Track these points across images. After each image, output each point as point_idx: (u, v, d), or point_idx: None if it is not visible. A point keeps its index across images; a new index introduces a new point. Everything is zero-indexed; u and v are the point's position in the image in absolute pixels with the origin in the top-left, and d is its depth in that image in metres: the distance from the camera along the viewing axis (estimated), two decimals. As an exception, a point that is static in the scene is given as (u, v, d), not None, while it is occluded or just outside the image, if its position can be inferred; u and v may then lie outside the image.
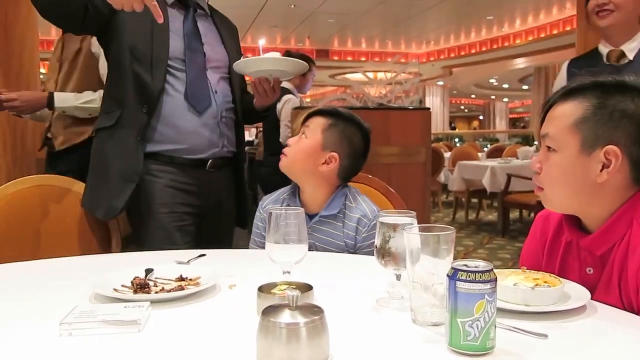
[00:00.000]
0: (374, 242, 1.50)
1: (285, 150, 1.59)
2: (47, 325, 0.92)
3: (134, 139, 1.69)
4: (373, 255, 1.48)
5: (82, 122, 2.36)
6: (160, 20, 1.48)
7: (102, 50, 1.90)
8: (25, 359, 0.81)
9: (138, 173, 1.69)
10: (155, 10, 1.45)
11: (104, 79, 2.21)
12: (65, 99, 2.30)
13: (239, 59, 1.86)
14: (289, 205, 1.59)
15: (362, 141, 1.61)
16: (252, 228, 1.71)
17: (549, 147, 1.11)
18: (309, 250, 1.41)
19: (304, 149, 1.56)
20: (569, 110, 1.08)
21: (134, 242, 1.77)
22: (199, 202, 1.80)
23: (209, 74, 1.80)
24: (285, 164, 1.59)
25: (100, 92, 2.23)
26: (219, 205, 1.87)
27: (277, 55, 1.77)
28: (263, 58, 1.73)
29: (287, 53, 4.07)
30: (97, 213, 1.75)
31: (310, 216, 1.56)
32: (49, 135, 2.44)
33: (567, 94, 1.10)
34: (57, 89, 2.38)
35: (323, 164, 1.55)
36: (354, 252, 1.55)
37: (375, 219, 1.51)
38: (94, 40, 2.26)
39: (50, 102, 2.27)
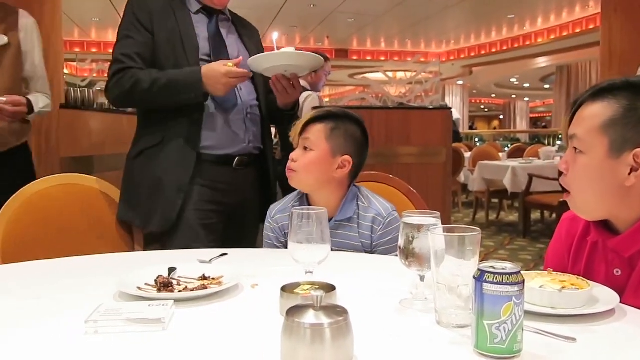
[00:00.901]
0: (390, 240, 1.51)
1: (291, 166, 1.55)
2: (72, 322, 0.92)
3: (185, 149, 1.74)
4: (389, 254, 1.49)
5: (21, 126, 2.22)
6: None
7: (36, 48, 1.94)
8: (51, 356, 0.82)
9: (187, 183, 1.73)
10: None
11: (32, 80, 2.25)
12: (35, 105, 2.20)
13: None
14: None
15: (362, 133, 1.60)
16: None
17: (576, 149, 1.09)
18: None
19: (315, 162, 1.52)
20: (597, 111, 1.06)
21: (160, 240, 1.79)
22: (225, 200, 1.82)
23: None
24: (298, 180, 1.55)
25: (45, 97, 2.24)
26: (244, 203, 1.88)
27: (292, 49, 1.76)
28: (276, 53, 1.72)
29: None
30: (151, 228, 1.78)
31: None
32: None
33: (596, 93, 1.08)
34: None
35: (337, 169, 1.53)
36: (371, 252, 1.54)
37: (389, 217, 1.52)
38: (26, 36, 2.21)
39: (30, 110, 2.18)
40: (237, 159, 1.82)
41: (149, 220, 1.77)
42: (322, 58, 1.75)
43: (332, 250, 1.50)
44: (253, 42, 2.00)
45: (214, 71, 1.67)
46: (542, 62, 14.31)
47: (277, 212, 1.63)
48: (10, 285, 1.22)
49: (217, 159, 1.79)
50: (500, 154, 7.76)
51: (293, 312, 0.78)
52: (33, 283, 1.24)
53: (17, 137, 2.20)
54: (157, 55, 1.77)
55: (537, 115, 27.57)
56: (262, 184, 1.96)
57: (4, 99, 2.03)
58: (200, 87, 1.68)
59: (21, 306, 1.06)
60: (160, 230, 1.76)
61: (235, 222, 1.87)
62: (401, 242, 1.03)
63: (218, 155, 1.79)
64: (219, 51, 1.82)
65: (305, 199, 1.60)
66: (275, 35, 1.70)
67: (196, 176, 1.76)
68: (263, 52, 2.00)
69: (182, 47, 1.77)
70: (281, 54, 1.71)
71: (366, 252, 1.54)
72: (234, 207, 1.85)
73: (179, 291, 1.10)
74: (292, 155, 1.57)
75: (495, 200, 6.75)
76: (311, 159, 1.53)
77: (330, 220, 1.52)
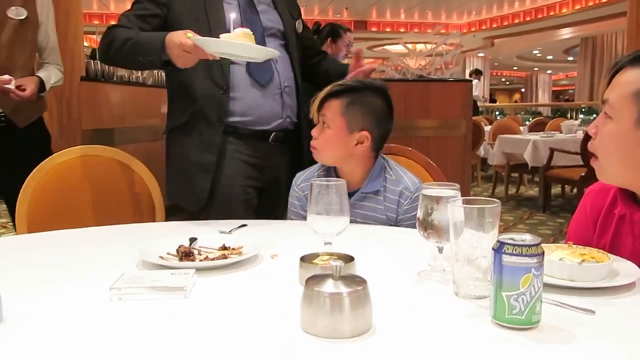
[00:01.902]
0: (415, 215, 1.51)
1: (313, 143, 1.55)
2: (97, 289, 0.95)
3: (214, 127, 1.71)
4: (414, 227, 1.49)
5: (37, 102, 2.28)
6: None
7: (50, 18, 1.96)
8: (77, 322, 0.84)
9: (214, 162, 1.71)
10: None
11: (44, 51, 2.27)
12: (47, 81, 2.24)
13: (294, 23, 1.89)
14: None
15: (384, 102, 1.56)
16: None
17: (606, 114, 1.07)
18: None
19: (331, 140, 1.52)
20: (632, 78, 1.03)
21: (195, 216, 1.79)
22: (260, 176, 1.81)
23: (267, 43, 1.78)
24: (319, 157, 1.57)
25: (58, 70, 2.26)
26: (277, 178, 1.86)
27: (244, 39, 1.55)
28: (227, 42, 1.54)
29: (316, 26, 4.03)
30: (186, 205, 1.79)
31: (349, 193, 1.55)
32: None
33: (636, 59, 1.04)
34: None
35: (357, 144, 1.52)
36: (395, 225, 1.54)
37: (417, 192, 1.50)
38: (42, 7, 2.23)
39: (42, 88, 2.23)
40: (273, 134, 1.80)
41: (184, 200, 1.78)
42: (276, 52, 1.66)
43: (357, 222, 1.52)
44: (286, 4, 1.92)
45: (171, 41, 1.57)
46: (566, 33, 13.97)
47: (302, 180, 1.63)
48: (37, 254, 1.26)
49: (255, 134, 1.76)
50: (522, 128, 7.65)
51: (313, 281, 0.79)
52: (59, 252, 1.27)
53: (37, 112, 2.26)
54: (172, 25, 1.72)
55: (559, 89, 27.03)
56: (295, 160, 1.92)
57: (12, 86, 2.07)
58: (159, 53, 1.60)
59: (48, 273, 1.09)
60: (194, 210, 1.76)
61: (269, 197, 1.86)
62: (420, 214, 1.03)
63: (256, 130, 1.77)
64: (251, 21, 1.75)
65: (332, 169, 1.60)
66: (232, 17, 1.60)
67: (235, 151, 1.74)
68: (299, 13, 1.96)
69: (206, 19, 1.72)
70: (231, 43, 1.54)
71: (390, 225, 1.53)
72: (268, 182, 1.83)
73: (200, 260, 1.12)
74: (313, 132, 1.56)
75: (515, 175, 6.68)
76: (328, 136, 1.52)
77: (356, 191, 1.54)
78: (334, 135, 1.52)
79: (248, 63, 1.74)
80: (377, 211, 1.54)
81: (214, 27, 1.71)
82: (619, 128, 1.04)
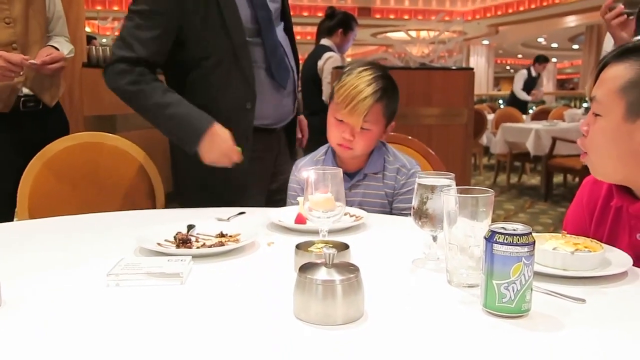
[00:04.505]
0: (409, 191, 1.56)
1: (348, 144, 1.54)
2: (95, 275, 0.96)
3: (239, 142, 1.56)
4: (409, 202, 1.51)
5: (56, 74, 2.04)
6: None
7: None
8: (75, 307, 0.85)
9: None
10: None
11: (51, 21, 2.05)
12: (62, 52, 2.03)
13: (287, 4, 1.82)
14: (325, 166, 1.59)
15: (392, 84, 1.58)
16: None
17: (595, 111, 1.07)
18: (351, 207, 1.43)
19: (374, 139, 1.57)
20: (618, 73, 1.03)
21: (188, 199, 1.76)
22: (268, 167, 1.80)
23: (277, 33, 1.73)
24: (356, 155, 1.58)
25: (67, 41, 2.11)
26: (278, 164, 1.85)
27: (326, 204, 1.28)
28: None
29: (331, 10, 4.01)
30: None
31: (350, 175, 1.58)
32: (25, 92, 1.99)
33: (621, 54, 1.04)
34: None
35: (384, 133, 1.61)
36: (392, 201, 1.59)
37: (413, 168, 1.59)
38: None
39: None
40: (279, 125, 1.80)
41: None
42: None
43: (358, 201, 1.54)
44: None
45: (217, 143, 1.52)
46: (571, 21, 13.85)
47: (304, 165, 1.67)
48: (37, 239, 1.27)
49: (265, 129, 1.72)
50: (524, 116, 7.62)
51: (306, 268, 0.80)
52: (58, 237, 1.28)
53: (58, 89, 2.12)
54: (186, 36, 1.59)
55: (564, 77, 26.85)
56: (289, 142, 1.92)
57: (37, 61, 1.88)
58: (194, 143, 1.53)
59: (47, 258, 1.10)
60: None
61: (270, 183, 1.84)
62: (415, 202, 1.04)
63: (267, 128, 1.73)
64: (262, 4, 1.66)
65: (331, 153, 1.63)
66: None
67: (251, 150, 1.64)
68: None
69: (220, 21, 1.59)
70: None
71: (389, 201, 1.60)
72: (270, 166, 1.82)
73: (197, 247, 1.13)
74: (348, 134, 1.53)
75: (517, 163, 6.68)
76: (372, 138, 1.56)
77: (359, 171, 1.60)
78: (376, 135, 1.58)
79: (269, 65, 1.66)
80: (377, 188, 1.60)
81: (232, 30, 1.61)
82: (608, 123, 1.04)
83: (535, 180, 6.83)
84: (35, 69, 1.92)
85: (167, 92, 1.60)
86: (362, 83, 1.51)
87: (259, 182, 1.77)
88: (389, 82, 1.56)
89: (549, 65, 8.89)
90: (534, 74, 8.17)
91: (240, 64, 1.62)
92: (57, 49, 2.03)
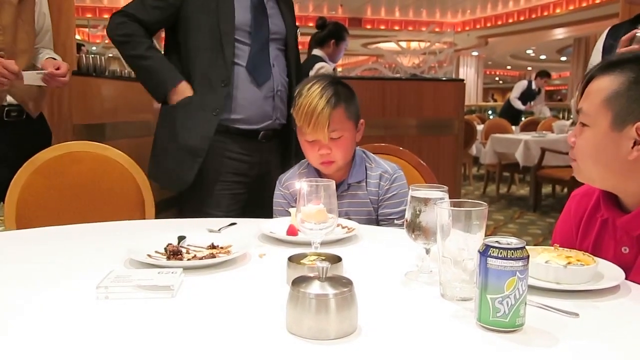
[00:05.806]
0: (394, 196, 1.59)
1: (327, 159, 1.55)
2: (84, 288, 0.95)
3: (210, 114, 1.79)
4: (394, 207, 1.57)
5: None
6: None
7: None
8: (63, 320, 0.84)
9: (205, 150, 1.78)
10: None
11: (39, 33, 2.06)
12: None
13: (295, 31, 1.97)
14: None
15: (344, 86, 1.60)
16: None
17: (582, 122, 1.08)
18: (339, 217, 1.42)
19: (349, 144, 1.58)
20: (604, 85, 1.05)
21: (178, 206, 1.84)
22: (248, 172, 1.88)
23: (270, 47, 1.87)
24: (340, 166, 1.58)
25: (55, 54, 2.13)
26: (267, 175, 1.92)
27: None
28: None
29: (321, 20, 4.02)
30: (166, 186, 1.86)
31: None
32: (9, 101, 1.94)
33: (606, 67, 1.07)
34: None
35: (357, 133, 1.62)
36: (377, 207, 1.60)
37: (395, 173, 1.62)
38: None
39: None
40: (262, 133, 1.88)
41: (167, 182, 1.83)
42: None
43: (344, 209, 1.54)
44: (290, 13, 2.00)
45: (179, 94, 1.80)
46: (559, 33, 14.01)
47: (287, 179, 1.67)
48: (24, 250, 1.25)
49: (244, 132, 1.85)
50: (514, 127, 7.68)
51: (299, 282, 0.80)
52: (46, 248, 1.26)
53: (43, 98, 2.11)
54: (187, 24, 1.82)
55: (553, 88, 27.09)
56: (284, 155, 1.99)
57: (46, 70, 1.89)
58: (163, 92, 1.84)
59: (35, 270, 1.08)
60: (177, 191, 1.82)
61: (258, 193, 1.91)
62: (408, 215, 1.03)
63: (245, 129, 1.85)
64: (260, 23, 1.84)
65: (312, 168, 1.64)
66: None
67: (223, 149, 1.82)
68: (296, 22, 2.03)
69: (216, 18, 1.79)
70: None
71: (374, 208, 1.61)
72: (257, 178, 1.90)
73: (188, 259, 1.12)
74: (324, 150, 1.55)
75: (507, 174, 6.71)
76: (347, 145, 1.57)
77: (342, 182, 1.60)
78: (351, 140, 1.59)
79: (248, 60, 1.82)
80: (361, 197, 1.61)
81: (222, 20, 1.79)
82: (596, 134, 1.06)
83: (524, 190, 6.86)
84: (45, 81, 1.92)
85: (151, 49, 1.87)
86: (314, 98, 1.52)
87: (227, 180, 1.86)
88: (338, 86, 1.57)
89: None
90: (534, 87, 8.32)
91: (223, 51, 1.80)
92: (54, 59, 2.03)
